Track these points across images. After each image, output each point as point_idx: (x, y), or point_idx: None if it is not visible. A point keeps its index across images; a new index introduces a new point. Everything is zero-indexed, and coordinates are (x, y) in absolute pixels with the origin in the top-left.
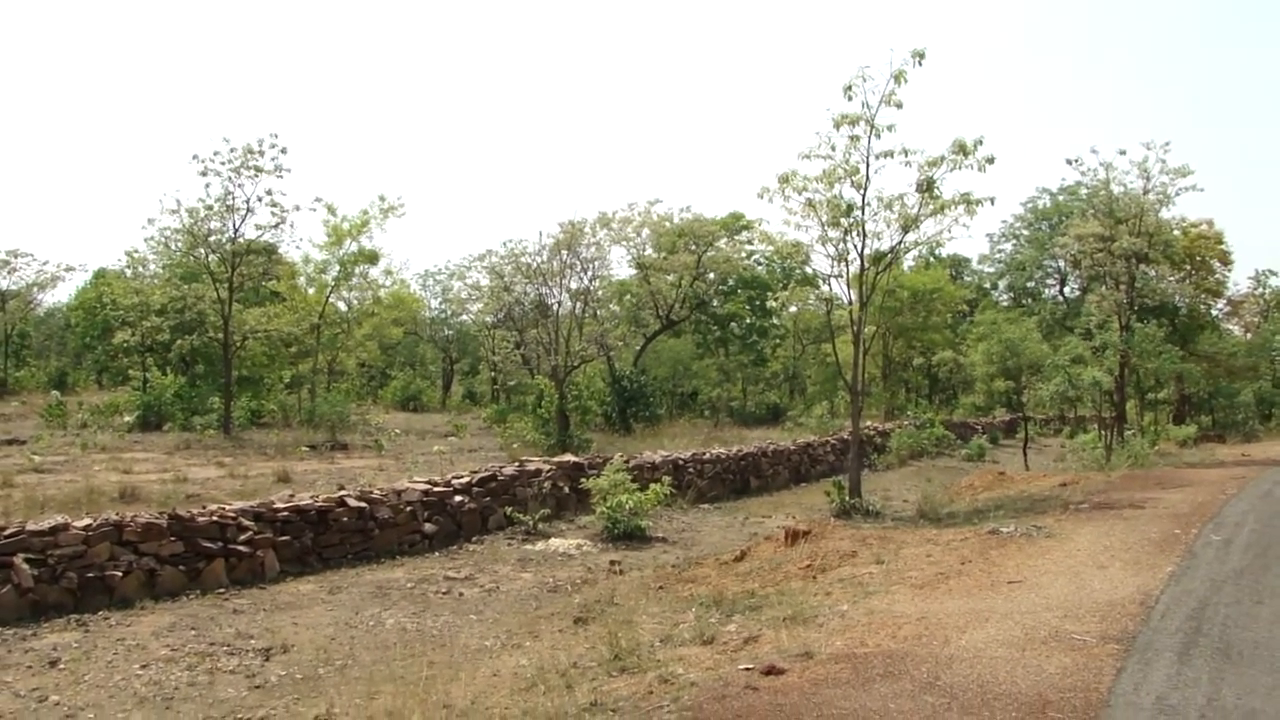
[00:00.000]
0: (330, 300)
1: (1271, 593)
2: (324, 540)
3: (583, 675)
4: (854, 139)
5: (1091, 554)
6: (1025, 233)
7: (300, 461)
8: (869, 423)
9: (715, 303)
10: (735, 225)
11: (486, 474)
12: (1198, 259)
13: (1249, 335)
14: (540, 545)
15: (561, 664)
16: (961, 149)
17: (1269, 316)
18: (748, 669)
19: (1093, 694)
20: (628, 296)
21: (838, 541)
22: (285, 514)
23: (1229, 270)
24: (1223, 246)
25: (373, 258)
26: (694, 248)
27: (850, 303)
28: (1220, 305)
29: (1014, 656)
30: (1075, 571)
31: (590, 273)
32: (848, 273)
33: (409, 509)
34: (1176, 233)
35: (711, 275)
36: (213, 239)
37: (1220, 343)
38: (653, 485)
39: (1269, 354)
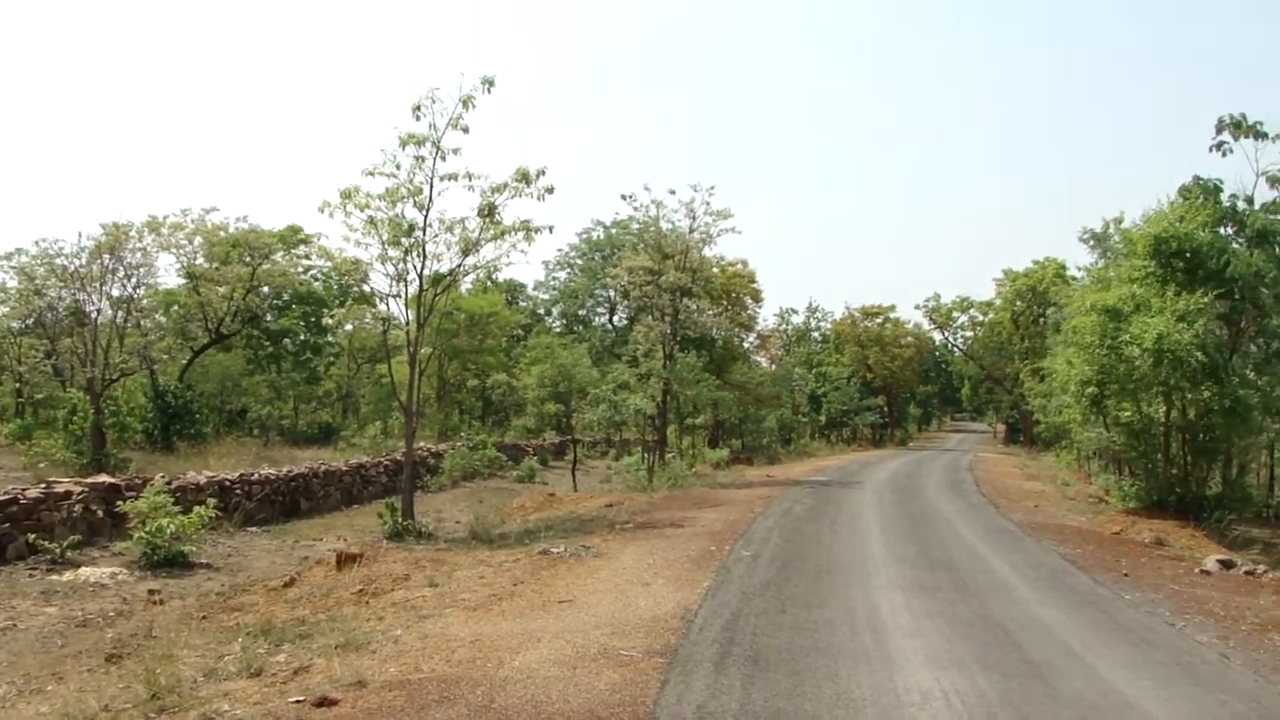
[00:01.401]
0: None
1: (793, 602)
2: None
3: None
4: (419, 159)
5: (637, 572)
6: (579, 262)
7: None
8: (423, 444)
9: (269, 318)
10: (293, 239)
11: (6, 497)
12: (733, 295)
13: (774, 366)
14: (69, 575)
15: (90, 709)
16: (524, 177)
17: (790, 350)
18: (298, 701)
19: (640, 708)
20: (175, 307)
21: (391, 564)
22: None
23: (759, 306)
24: (755, 285)
25: None
26: (249, 259)
27: (408, 323)
28: (751, 338)
29: (566, 675)
30: (622, 589)
31: (135, 280)
32: (406, 293)
33: None
34: (716, 270)
35: (266, 289)
36: None
37: (750, 373)
38: (197, 508)
39: (790, 384)
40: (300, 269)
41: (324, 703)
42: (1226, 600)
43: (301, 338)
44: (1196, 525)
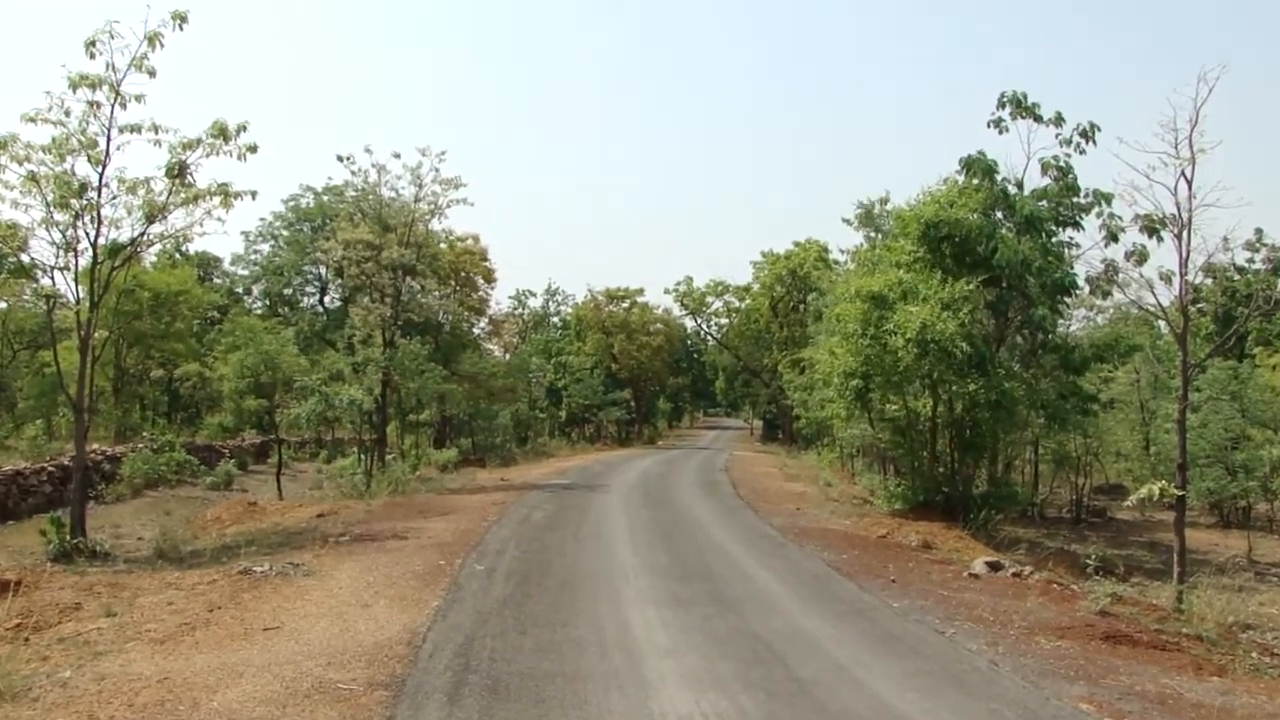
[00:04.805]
0: None
1: (534, 621)
2: None
3: None
4: (94, 105)
5: (355, 592)
6: (285, 233)
7: None
8: (97, 446)
9: None
10: None
11: None
12: (463, 274)
13: (508, 355)
14: None
15: None
16: (222, 133)
17: (527, 337)
18: None
19: None
20: None
21: (57, 592)
22: None
23: (492, 288)
24: (487, 263)
25: None
26: None
27: (78, 301)
28: (483, 324)
29: (275, 715)
30: (338, 613)
31: None
32: (77, 265)
33: None
34: (444, 246)
35: None
36: None
37: (482, 362)
38: None
39: (526, 375)
40: None
41: None
42: (995, 604)
43: None
44: (963, 526)
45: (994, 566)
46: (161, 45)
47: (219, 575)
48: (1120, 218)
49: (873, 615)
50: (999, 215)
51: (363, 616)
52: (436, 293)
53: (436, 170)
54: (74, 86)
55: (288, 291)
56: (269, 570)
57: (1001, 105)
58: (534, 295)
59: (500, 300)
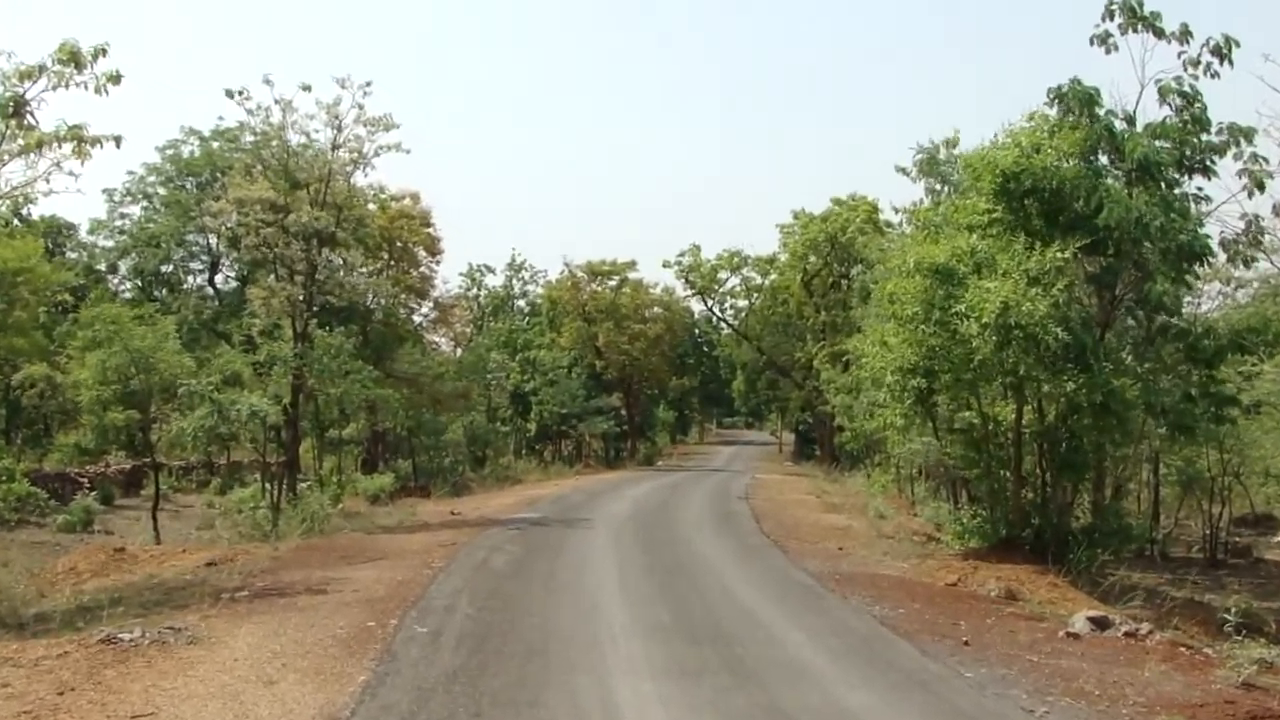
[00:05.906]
0: None
1: (492, 699)
2: None
3: None
4: None
5: (256, 664)
6: (162, 192)
7: None
8: None
9: None
10: None
11: None
12: (399, 244)
13: (460, 351)
14: None
15: None
16: (73, 58)
17: (484, 327)
18: None
19: None
20: None
21: None
22: None
23: (437, 262)
24: (430, 229)
25: None
26: None
27: None
28: (426, 309)
29: None
30: (234, 692)
31: None
32: None
33: None
34: (373, 207)
35: None
36: None
37: (425, 360)
38: None
39: (484, 376)
40: None
41: None
42: (1101, 674)
43: None
44: (1059, 570)
45: (1100, 623)
46: None
47: (73, 645)
48: (1266, 160)
49: (938, 688)
50: (1103, 160)
51: (266, 696)
52: (363, 268)
53: (360, 107)
54: None
55: (166, 268)
56: (140, 637)
57: (1109, 15)
58: (492, 272)
59: (448, 279)
